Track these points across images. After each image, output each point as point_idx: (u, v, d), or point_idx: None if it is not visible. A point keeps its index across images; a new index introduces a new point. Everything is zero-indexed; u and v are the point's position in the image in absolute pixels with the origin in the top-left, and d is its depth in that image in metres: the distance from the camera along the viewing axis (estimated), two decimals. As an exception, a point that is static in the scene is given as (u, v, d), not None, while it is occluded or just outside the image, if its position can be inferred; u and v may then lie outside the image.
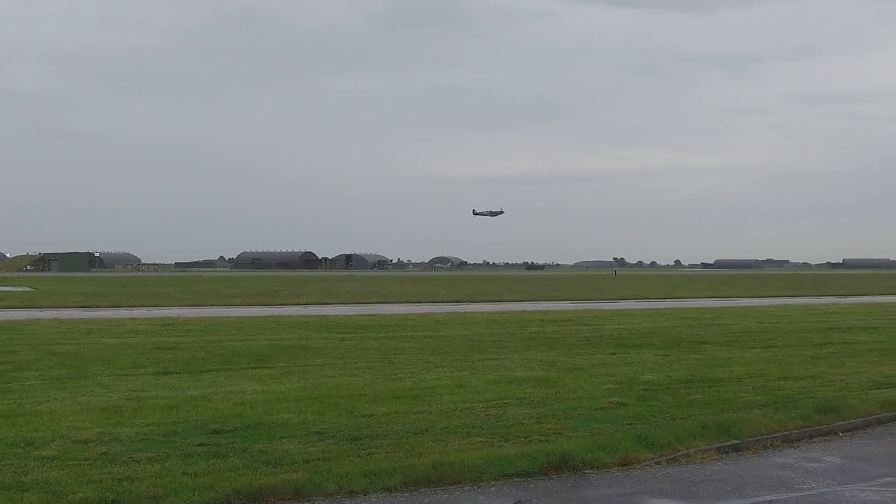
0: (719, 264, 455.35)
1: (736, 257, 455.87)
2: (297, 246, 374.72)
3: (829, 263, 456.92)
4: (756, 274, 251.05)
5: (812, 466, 14.90)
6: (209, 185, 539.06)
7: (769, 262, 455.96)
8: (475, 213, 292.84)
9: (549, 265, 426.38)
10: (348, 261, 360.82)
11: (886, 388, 21.47)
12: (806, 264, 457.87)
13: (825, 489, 13.47)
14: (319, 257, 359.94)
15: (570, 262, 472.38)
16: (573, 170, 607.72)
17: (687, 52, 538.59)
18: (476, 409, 18.30)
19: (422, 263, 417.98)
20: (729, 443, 16.06)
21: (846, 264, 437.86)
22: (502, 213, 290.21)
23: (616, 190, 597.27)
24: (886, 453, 15.89)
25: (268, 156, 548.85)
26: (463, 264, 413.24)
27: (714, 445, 15.77)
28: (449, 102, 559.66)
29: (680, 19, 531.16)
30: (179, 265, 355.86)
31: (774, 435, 16.70)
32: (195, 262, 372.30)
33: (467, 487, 13.20)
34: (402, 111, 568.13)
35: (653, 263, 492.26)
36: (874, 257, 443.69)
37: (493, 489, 13.18)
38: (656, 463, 14.84)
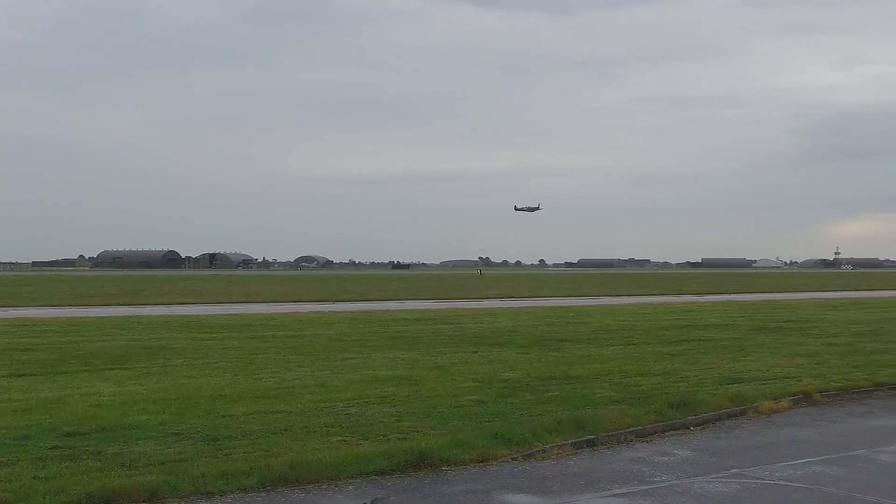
0: (583, 264, 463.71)
1: (599, 257, 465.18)
2: (160, 245, 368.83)
3: (688, 263, 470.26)
4: (618, 273, 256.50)
5: (663, 460, 15.32)
6: (70, 181, 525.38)
7: (631, 261, 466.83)
8: (516, 209, 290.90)
9: (415, 264, 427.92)
10: (212, 260, 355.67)
11: (737, 384, 22.20)
12: (667, 263, 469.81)
13: (675, 481, 13.87)
14: (183, 256, 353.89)
15: (436, 262, 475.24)
16: (440, 169, 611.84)
17: (553, 53, 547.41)
18: (336, 408, 18.28)
19: (288, 263, 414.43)
20: (584, 438, 16.40)
21: (705, 263, 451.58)
22: (539, 208, 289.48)
23: (482, 190, 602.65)
24: (734, 446, 16.46)
25: (131, 153, 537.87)
26: (329, 263, 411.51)
27: (569, 441, 16.09)
28: (317, 100, 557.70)
29: (545, 21, 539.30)
30: (37, 264, 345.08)
31: (629, 430, 17.12)
32: (54, 261, 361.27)
33: (325, 486, 13.18)
34: (270, 109, 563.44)
35: (518, 263, 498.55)
36: (732, 257, 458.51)
37: (350, 487, 13.19)
38: (513, 459, 15.05)
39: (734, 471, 14.46)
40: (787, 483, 13.65)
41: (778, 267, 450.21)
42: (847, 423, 18.84)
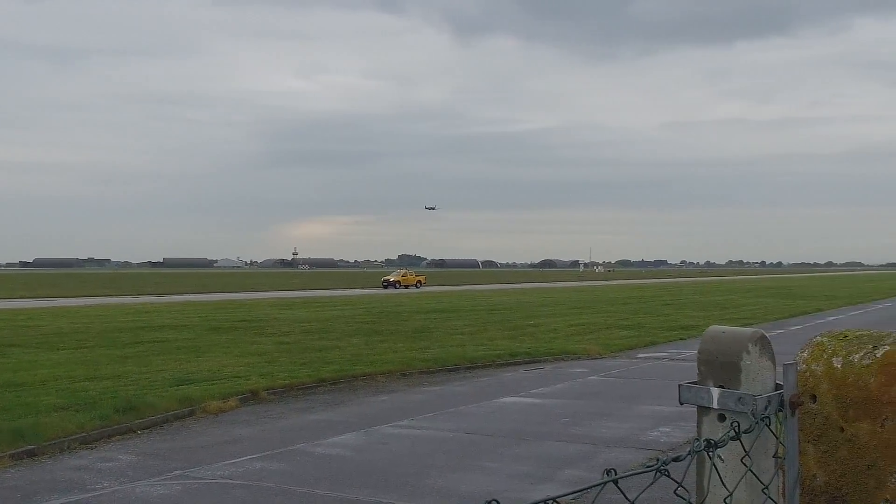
0: (39, 263, 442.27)
1: (58, 255, 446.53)
2: None
3: (150, 262, 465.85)
4: (78, 273, 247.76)
5: (107, 466, 15.09)
6: None
7: (91, 260, 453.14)
8: (427, 209, 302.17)
9: None
10: None
11: (187, 385, 22.42)
12: (128, 263, 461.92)
13: (117, 487, 13.72)
14: None
15: None
16: None
17: (6, 39, 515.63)
18: None
19: None
20: (24, 448, 15.69)
21: (167, 263, 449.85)
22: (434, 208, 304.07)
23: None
24: (179, 447, 16.61)
25: None
26: None
27: (8, 452, 15.33)
28: None
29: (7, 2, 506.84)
30: None
31: (73, 437, 16.65)
32: None
33: None
34: None
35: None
36: (194, 256, 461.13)
37: None
38: (-58, 476, 14.04)
39: (177, 472, 14.60)
40: (228, 481, 14.04)
41: (239, 267, 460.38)
42: (290, 418, 19.74)
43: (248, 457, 15.70)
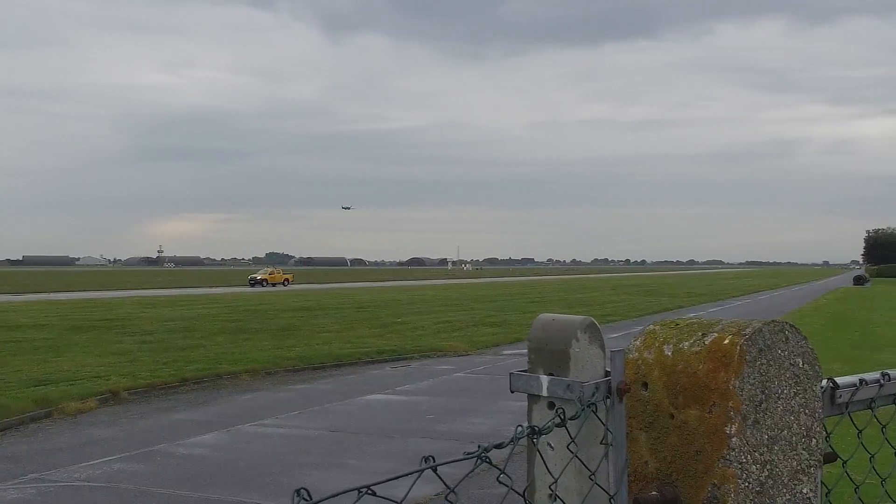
0: None
1: None
2: None
3: (8, 261, 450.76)
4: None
5: (-42, 470, 14.62)
6: None
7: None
8: (343, 208, 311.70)
9: None
10: None
11: (44, 386, 21.84)
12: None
13: (-32, 492, 13.31)
14: None
15: None
16: None
17: None
18: None
19: None
20: None
21: (27, 261, 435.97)
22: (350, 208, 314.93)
23: None
24: (35, 450, 16.17)
25: None
26: None
27: None
28: None
29: None
30: None
31: (-79, 441, 16.08)
32: None
33: None
34: None
35: None
36: (55, 254, 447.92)
37: None
38: None
39: (33, 475, 14.22)
40: (86, 483, 13.74)
41: (103, 265, 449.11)
42: (151, 419, 19.41)
43: (108, 458, 15.39)
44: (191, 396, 22.42)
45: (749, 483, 2.52)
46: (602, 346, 2.65)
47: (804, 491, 2.68)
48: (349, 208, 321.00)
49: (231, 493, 13.10)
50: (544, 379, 2.59)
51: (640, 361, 2.69)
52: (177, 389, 23.20)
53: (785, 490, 2.62)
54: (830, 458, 2.91)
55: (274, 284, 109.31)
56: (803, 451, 2.69)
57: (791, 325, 2.68)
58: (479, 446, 1.95)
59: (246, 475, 14.23)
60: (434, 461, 1.80)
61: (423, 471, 1.80)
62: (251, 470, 14.57)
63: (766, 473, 2.57)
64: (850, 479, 3.09)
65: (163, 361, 27.07)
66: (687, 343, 2.63)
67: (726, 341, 2.56)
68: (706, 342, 2.59)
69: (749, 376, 2.53)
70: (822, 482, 2.77)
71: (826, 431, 2.84)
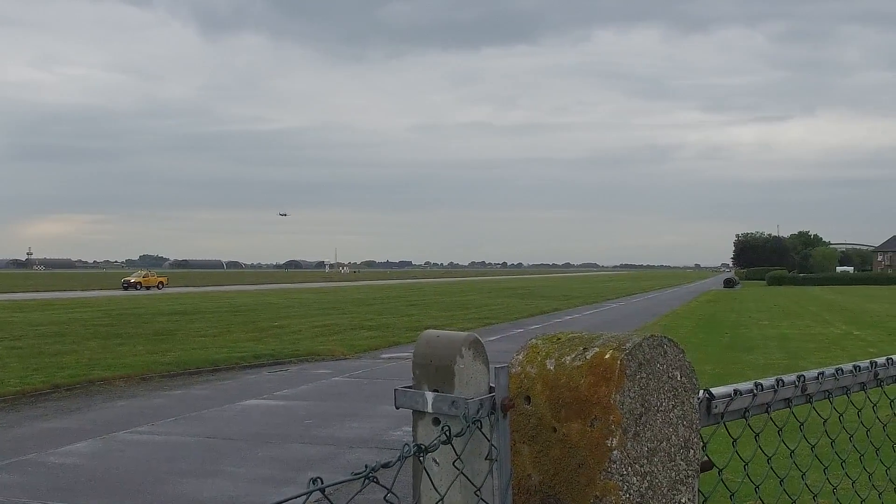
0: None
1: None
2: None
3: None
4: None
5: None
6: None
7: None
8: (280, 214, 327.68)
9: None
10: None
11: None
12: None
13: None
14: None
15: None
16: None
17: None
18: None
19: None
20: None
21: None
22: (286, 215, 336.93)
23: None
24: None
25: None
26: None
27: None
28: None
29: None
30: None
31: None
32: None
33: None
34: None
35: None
36: None
37: None
38: None
39: None
40: (-50, 496, 13.28)
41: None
42: (21, 427, 18.83)
43: (-26, 469, 14.88)
44: (63, 403, 21.82)
45: (630, 494, 2.57)
46: (486, 362, 2.66)
47: (683, 501, 2.75)
48: (286, 215, 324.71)
49: (104, 503, 12.80)
50: (429, 395, 2.60)
51: (522, 375, 2.71)
52: (48, 396, 22.55)
53: (665, 500, 2.68)
54: (707, 466, 2.99)
55: (148, 288, 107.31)
56: (682, 462, 2.76)
57: (669, 340, 2.75)
58: (366, 466, 1.96)
59: (119, 484, 13.92)
60: (322, 482, 1.80)
61: (311, 493, 1.79)
62: (125, 479, 14.26)
63: (647, 485, 2.63)
64: (726, 486, 3.18)
65: (33, 367, 26.30)
66: (569, 358, 2.66)
67: (607, 356, 2.60)
68: (587, 357, 2.63)
69: (629, 390, 2.58)
70: (699, 491, 2.85)
71: (703, 441, 2.92)
